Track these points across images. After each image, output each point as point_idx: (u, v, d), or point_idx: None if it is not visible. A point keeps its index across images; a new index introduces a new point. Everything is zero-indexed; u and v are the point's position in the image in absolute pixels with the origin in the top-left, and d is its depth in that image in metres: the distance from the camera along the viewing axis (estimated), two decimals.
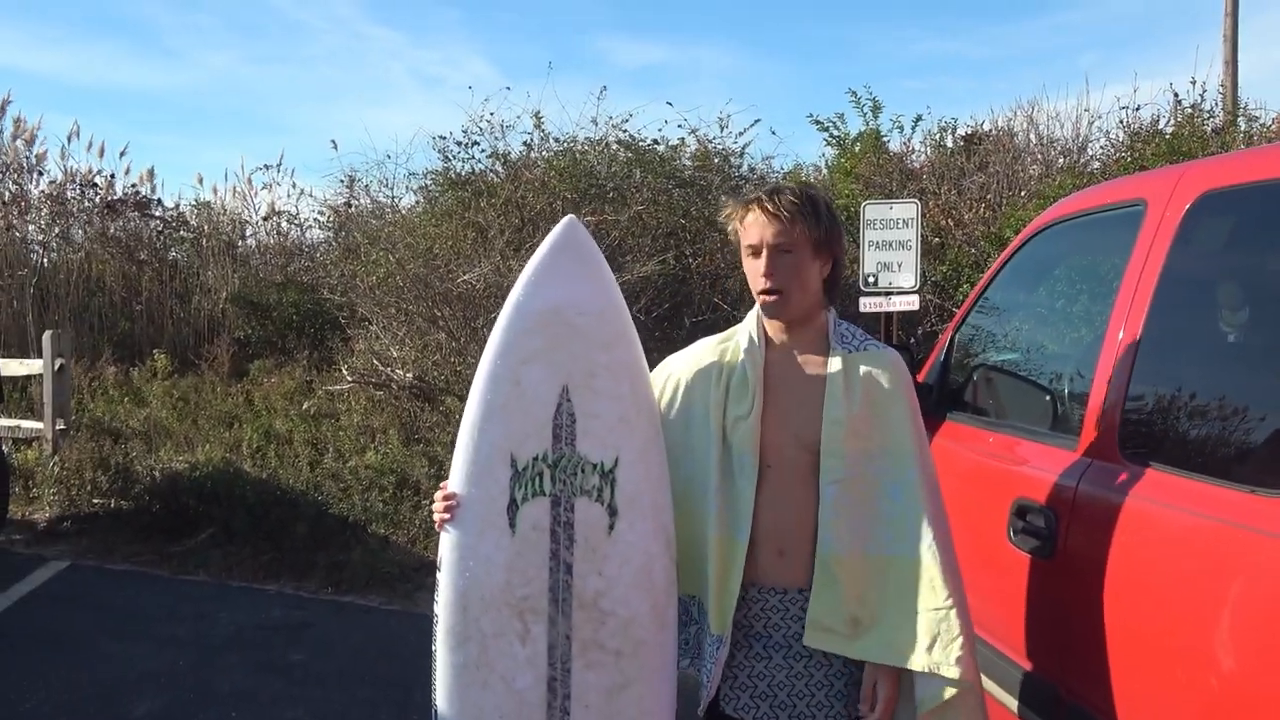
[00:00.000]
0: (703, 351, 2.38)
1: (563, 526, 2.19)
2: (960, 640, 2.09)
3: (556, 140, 9.66)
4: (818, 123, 12.12)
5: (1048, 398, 2.98)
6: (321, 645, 5.12)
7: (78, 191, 13.33)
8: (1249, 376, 2.25)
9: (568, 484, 2.19)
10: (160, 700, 4.36)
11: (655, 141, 9.69)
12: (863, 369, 2.21)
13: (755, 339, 2.29)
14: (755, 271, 2.23)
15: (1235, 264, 2.47)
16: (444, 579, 2.23)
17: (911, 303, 7.03)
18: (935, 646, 2.09)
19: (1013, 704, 2.60)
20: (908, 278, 6.97)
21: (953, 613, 2.10)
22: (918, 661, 2.10)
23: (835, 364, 2.21)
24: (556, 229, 2.26)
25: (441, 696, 2.23)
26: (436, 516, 2.25)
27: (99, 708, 4.26)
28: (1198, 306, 2.47)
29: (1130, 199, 2.67)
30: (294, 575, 6.20)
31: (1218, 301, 2.44)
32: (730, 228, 2.31)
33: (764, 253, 2.20)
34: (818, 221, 2.20)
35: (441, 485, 2.27)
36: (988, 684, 2.74)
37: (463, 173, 9.71)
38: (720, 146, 10.11)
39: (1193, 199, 2.37)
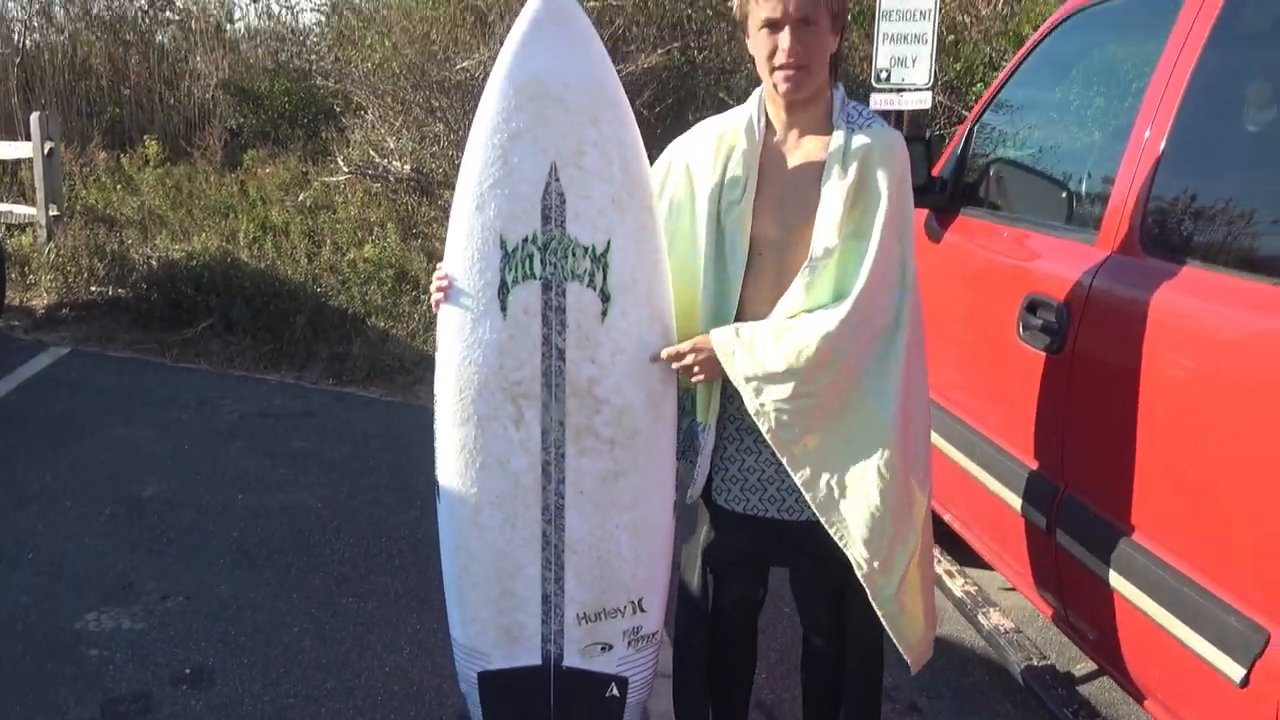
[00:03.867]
0: (702, 134, 2.28)
1: (554, 311, 2.13)
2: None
3: None
4: None
5: (1065, 193, 2.89)
6: (325, 433, 5.19)
7: None
8: None
9: (559, 267, 2.12)
10: (168, 482, 4.44)
11: None
12: (859, 145, 2.09)
13: (755, 122, 2.19)
14: (773, 48, 2.08)
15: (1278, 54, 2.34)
16: (440, 361, 2.22)
17: (923, 100, 6.80)
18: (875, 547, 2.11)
19: (1013, 500, 2.62)
20: (921, 73, 6.71)
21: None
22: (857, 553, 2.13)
23: (837, 141, 2.10)
24: None
25: (442, 475, 2.26)
26: (432, 297, 2.23)
27: (108, 489, 4.34)
28: (1235, 98, 2.36)
29: None
30: (295, 366, 6.23)
31: (1257, 93, 2.33)
32: (736, 2, 2.16)
33: (786, 26, 2.06)
34: None
35: (437, 266, 2.23)
36: (984, 476, 2.78)
37: None
38: None
39: None
